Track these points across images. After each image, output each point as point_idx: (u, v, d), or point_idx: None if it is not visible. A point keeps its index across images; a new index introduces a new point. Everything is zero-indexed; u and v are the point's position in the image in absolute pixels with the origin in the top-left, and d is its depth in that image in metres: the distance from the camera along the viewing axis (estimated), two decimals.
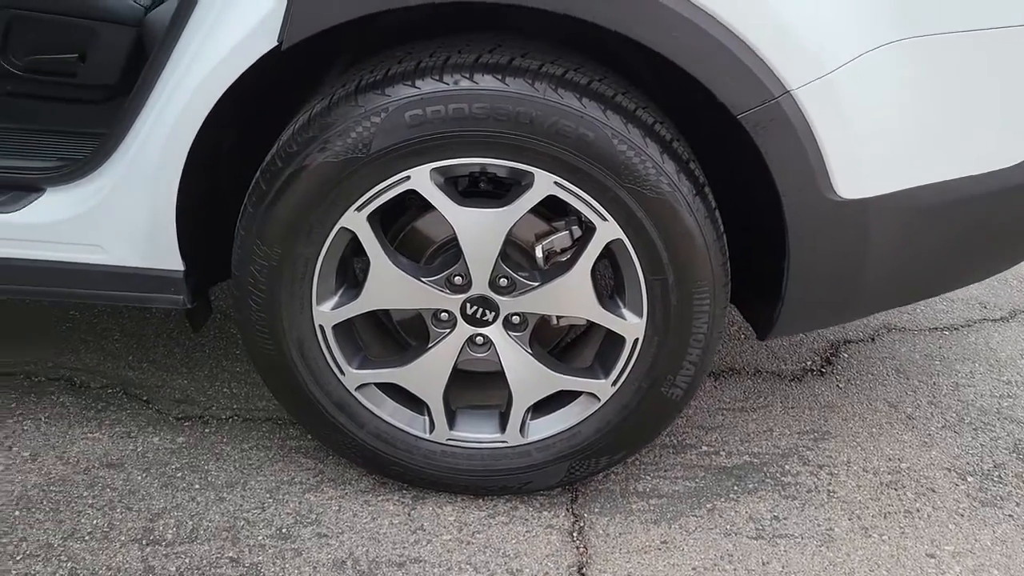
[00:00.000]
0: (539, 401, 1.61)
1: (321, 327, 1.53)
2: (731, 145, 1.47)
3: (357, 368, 1.58)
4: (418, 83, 1.33)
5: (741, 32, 1.29)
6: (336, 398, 1.60)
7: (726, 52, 1.29)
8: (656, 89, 1.51)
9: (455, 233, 1.45)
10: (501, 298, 1.51)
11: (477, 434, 1.64)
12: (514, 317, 1.54)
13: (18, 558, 1.50)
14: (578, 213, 1.45)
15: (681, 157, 1.40)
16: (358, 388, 1.59)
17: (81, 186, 1.57)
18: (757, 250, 1.62)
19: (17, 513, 1.59)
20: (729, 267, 1.49)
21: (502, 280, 1.50)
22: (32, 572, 1.48)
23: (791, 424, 1.93)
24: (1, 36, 1.66)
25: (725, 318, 1.54)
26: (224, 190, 1.61)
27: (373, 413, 1.61)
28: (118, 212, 1.56)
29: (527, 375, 1.58)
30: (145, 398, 1.93)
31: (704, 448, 1.85)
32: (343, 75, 1.44)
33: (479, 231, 1.44)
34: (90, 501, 1.63)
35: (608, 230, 1.43)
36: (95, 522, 1.59)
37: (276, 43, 1.33)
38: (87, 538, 1.55)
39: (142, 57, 1.64)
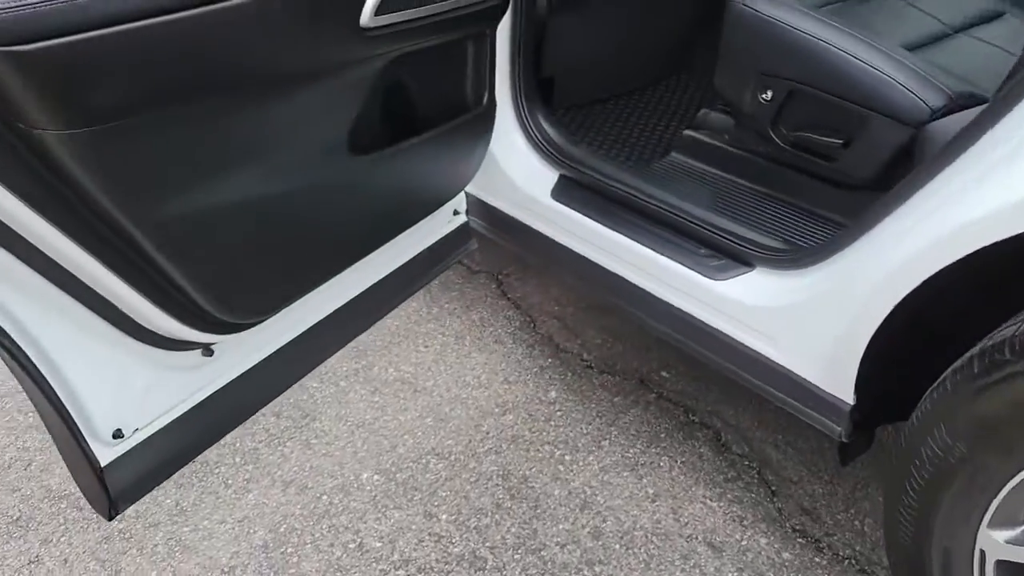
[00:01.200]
0: None
1: (982, 553, 1.19)
2: None
3: None
4: None
5: None
6: None
7: None
8: None
9: None
10: None
11: None
12: None
13: None
14: None
15: None
16: None
17: (789, 277, 1.50)
18: None
19: (617, 547, 1.67)
20: None
21: None
22: None
23: None
24: (778, 106, 1.64)
25: None
26: (929, 337, 1.35)
27: None
28: (810, 318, 1.44)
29: None
30: (774, 488, 1.82)
31: None
32: None
33: None
34: (678, 574, 1.62)
35: None
36: None
37: None
38: None
39: (908, 162, 1.45)
